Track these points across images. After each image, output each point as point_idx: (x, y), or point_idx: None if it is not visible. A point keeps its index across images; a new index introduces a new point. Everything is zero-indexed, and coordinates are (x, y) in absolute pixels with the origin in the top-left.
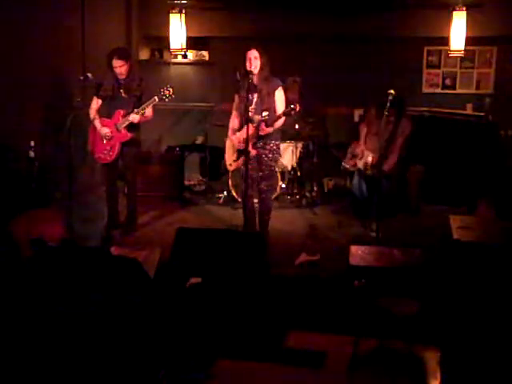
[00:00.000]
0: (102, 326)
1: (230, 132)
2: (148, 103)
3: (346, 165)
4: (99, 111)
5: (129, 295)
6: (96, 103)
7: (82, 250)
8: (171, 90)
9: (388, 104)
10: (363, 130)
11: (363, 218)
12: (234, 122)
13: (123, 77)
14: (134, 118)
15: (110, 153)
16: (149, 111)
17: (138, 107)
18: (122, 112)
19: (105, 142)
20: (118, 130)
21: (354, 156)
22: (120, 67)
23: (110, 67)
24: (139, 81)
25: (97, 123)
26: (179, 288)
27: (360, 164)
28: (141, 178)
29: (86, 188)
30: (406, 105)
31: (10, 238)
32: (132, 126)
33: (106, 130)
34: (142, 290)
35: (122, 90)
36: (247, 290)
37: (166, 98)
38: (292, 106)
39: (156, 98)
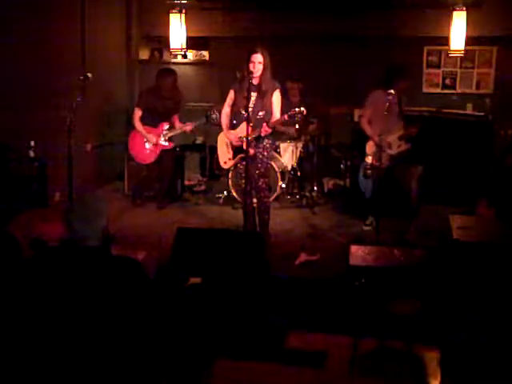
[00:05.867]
0: (102, 326)
1: (225, 130)
2: (197, 123)
3: (374, 162)
4: (143, 120)
5: (129, 295)
6: (138, 113)
7: (82, 249)
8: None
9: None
10: (367, 125)
11: (366, 216)
12: (227, 119)
13: (169, 93)
14: (187, 128)
15: (150, 156)
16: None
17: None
18: (165, 124)
19: (148, 146)
20: (163, 139)
21: (382, 147)
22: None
23: (164, 84)
24: (179, 97)
25: (142, 131)
26: (179, 288)
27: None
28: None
29: (86, 187)
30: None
31: (10, 238)
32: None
33: (154, 138)
34: (142, 289)
35: (166, 104)
36: (247, 289)
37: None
38: (297, 110)
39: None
